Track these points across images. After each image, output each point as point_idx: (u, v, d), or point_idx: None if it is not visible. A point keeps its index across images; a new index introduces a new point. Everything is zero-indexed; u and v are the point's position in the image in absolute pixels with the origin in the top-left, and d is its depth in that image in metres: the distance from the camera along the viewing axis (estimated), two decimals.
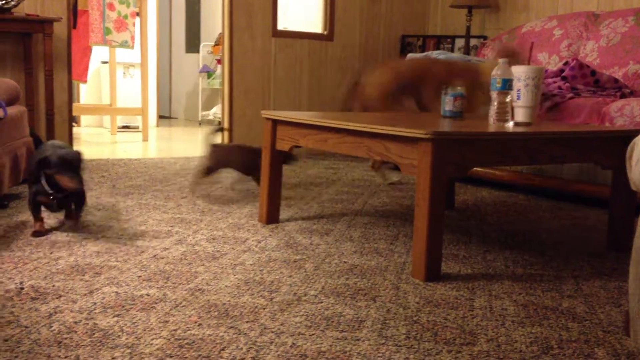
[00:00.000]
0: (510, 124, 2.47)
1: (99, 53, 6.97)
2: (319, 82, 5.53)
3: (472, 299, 1.89)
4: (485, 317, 1.74)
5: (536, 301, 1.89)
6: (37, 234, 2.43)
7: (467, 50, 5.22)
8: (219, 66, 7.72)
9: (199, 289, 1.88)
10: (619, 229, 2.49)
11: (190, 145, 6.07)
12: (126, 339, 1.51)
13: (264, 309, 1.74)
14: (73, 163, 2.38)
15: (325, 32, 5.55)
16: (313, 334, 1.58)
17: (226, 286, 1.92)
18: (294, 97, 5.45)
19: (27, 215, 2.72)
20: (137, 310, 1.69)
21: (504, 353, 1.51)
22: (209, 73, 8.36)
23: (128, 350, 1.44)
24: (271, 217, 2.78)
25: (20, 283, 1.87)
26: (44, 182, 2.38)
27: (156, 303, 1.75)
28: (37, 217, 2.47)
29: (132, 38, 5.83)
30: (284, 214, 2.93)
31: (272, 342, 1.52)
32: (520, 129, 2.34)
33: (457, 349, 1.52)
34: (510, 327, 1.67)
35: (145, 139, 6.08)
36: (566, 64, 3.81)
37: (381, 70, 3.85)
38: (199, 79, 8.55)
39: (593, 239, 2.70)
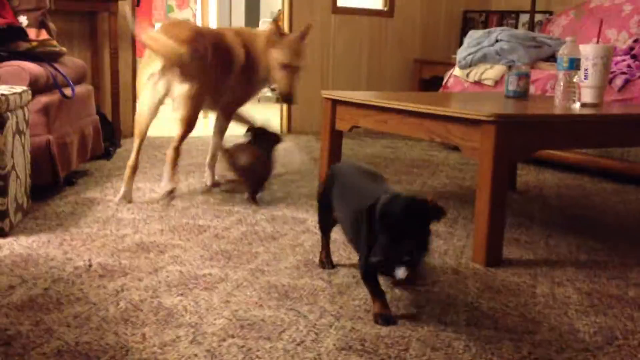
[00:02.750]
0: (577, 105, 2.39)
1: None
2: (378, 60, 5.48)
3: (534, 285, 1.86)
4: (547, 305, 1.71)
5: (600, 289, 1.84)
6: (382, 317, 1.57)
7: (531, 26, 5.07)
8: None
9: (259, 270, 1.91)
10: None
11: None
12: (190, 318, 1.55)
13: (323, 291, 1.76)
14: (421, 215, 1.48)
15: (385, 8, 5.47)
16: (372, 319, 1.58)
17: (285, 267, 1.94)
18: (353, 75, 5.41)
19: (94, 192, 2.81)
20: (200, 290, 1.73)
21: (566, 342, 1.48)
22: None
23: (192, 330, 1.48)
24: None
25: (89, 260, 1.94)
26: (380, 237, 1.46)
27: (218, 283, 1.79)
28: (378, 295, 1.60)
29: (194, 15, 5.89)
30: None
31: (331, 325, 1.53)
32: (587, 111, 2.27)
33: (518, 337, 1.50)
34: (573, 316, 1.64)
35: (205, 116, 6.16)
36: (636, 41, 3.66)
37: (181, 25, 2.78)
38: None
39: None
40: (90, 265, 1.89)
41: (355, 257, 1.91)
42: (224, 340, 1.43)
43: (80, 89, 3.09)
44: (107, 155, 3.65)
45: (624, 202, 3.04)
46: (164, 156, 3.79)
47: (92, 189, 2.89)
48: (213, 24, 7.62)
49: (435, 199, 1.49)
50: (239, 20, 9.32)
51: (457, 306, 1.69)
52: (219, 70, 2.77)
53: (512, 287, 1.84)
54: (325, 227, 1.92)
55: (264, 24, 8.40)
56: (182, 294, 1.69)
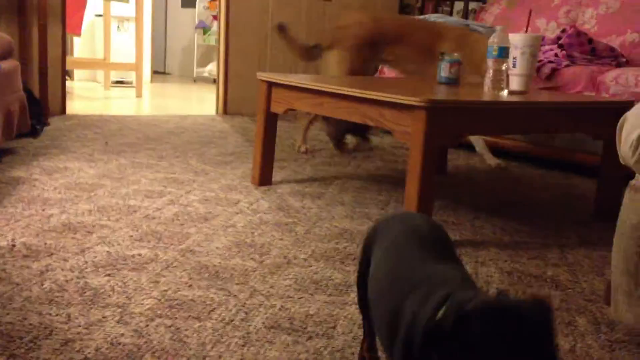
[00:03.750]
0: (505, 93, 2.47)
1: (93, 6, 6.87)
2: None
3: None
4: None
5: (521, 268, 1.92)
6: None
7: (465, 13, 5.17)
8: (215, 22, 7.64)
9: (190, 250, 1.90)
10: (606, 199, 2.52)
11: (184, 102, 6.04)
12: (117, 298, 1.53)
13: (254, 271, 1.77)
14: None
15: None
16: (301, 298, 1.60)
17: (217, 248, 1.94)
18: (291, 57, 5.39)
19: (20, 171, 2.72)
20: (129, 270, 1.71)
21: None
22: (204, 29, 8.26)
23: (119, 310, 1.47)
24: (264, 179, 2.79)
25: (12, 240, 1.89)
26: None
27: (147, 263, 1.77)
28: None
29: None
30: (277, 176, 2.94)
31: (261, 305, 1.55)
32: (515, 98, 2.35)
33: None
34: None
35: (138, 95, 6.04)
36: (564, 31, 3.79)
37: (362, 16, 3.52)
38: (194, 34, 8.46)
39: (582, 208, 2.73)
40: (13, 245, 1.84)
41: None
42: (152, 320, 1.43)
43: (5, 64, 2.97)
44: (34, 133, 3.53)
45: (548, 186, 3.16)
46: (94, 135, 3.71)
47: (17, 168, 2.80)
48: (147, 1, 7.44)
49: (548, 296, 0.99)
50: (176, 2, 9.14)
51: None
52: None
53: None
54: (367, 306, 1.16)
55: (201, 3, 8.27)
56: (109, 275, 1.67)
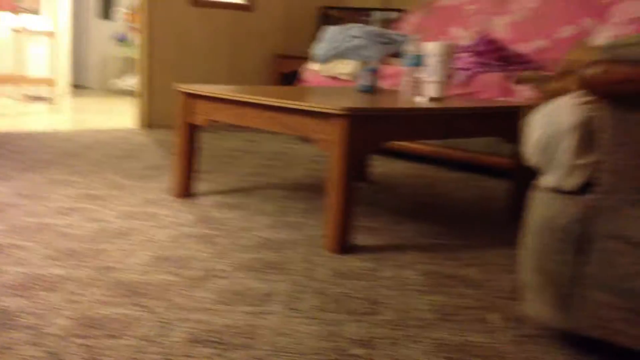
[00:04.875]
0: (422, 99, 2.53)
1: (6, 20, 6.62)
2: (239, 54, 5.47)
3: (378, 269, 1.95)
4: (389, 287, 1.80)
5: (437, 270, 1.97)
6: None
7: (384, 23, 5.28)
8: (135, 34, 7.51)
9: (107, 267, 1.86)
10: (518, 200, 2.62)
11: (104, 116, 5.90)
12: (29, 319, 1.48)
13: (174, 285, 1.74)
14: None
15: (246, 2, 5.47)
16: (222, 309, 1.59)
17: (135, 263, 1.90)
18: (213, 69, 5.37)
19: None
20: (42, 290, 1.66)
21: (404, 321, 1.57)
22: (124, 41, 8.11)
23: (31, 332, 1.42)
24: (185, 191, 2.76)
25: None
26: None
27: (61, 282, 1.72)
28: None
29: (39, 3, 5.57)
30: (200, 188, 2.92)
31: (180, 319, 1.53)
32: (431, 105, 2.41)
33: (359, 318, 1.57)
34: (411, 296, 1.74)
35: (56, 110, 5.87)
36: (477, 39, 3.92)
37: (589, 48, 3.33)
38: (113, 47, 8.28)
39: (497, 210, 2.83)
40: None
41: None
42: (66, 340, 1.39)
43: None
44: None
45: (465, 189, 3.26)
46: (8, 153, 3.58)
47: None
48: (64, 13, 7.24)
49: None
50: (93, 10, 8.92)
51: (306, 293, 1.74)
52: None
53: (358, 272, 1.92)
54: None
55: (119, 14, 8.12)
56: (21, 296, 1.61)
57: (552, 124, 1.40)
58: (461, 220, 2.61)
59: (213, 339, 1.43)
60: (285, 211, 2.62)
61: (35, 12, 5.60)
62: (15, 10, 5.50)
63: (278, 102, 2.22)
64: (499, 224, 2.58)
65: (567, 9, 3.99)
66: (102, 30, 8.74)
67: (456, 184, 3.38)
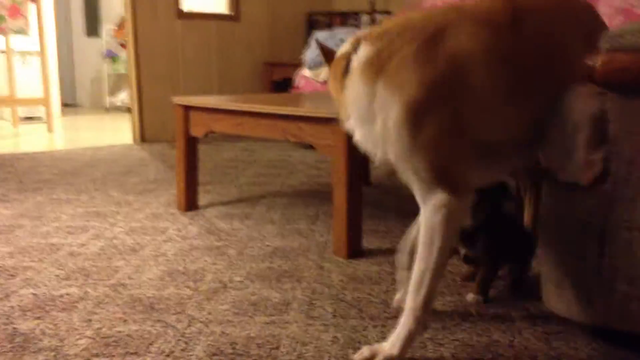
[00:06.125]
0: None
1: None
2: (228, 64, 5.47)
3: (394, 272, 1.95)
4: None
5: (454, 270, 1.96)
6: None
7: (373, 24, 5.29)
8: (124, 50, 7.49)
9: (121, 284, 1.84)
10: (530, 198, 2.62)
11: (99, 133, 5.88)
12: (49, 341, 1.47)
13: (190, 299, 1.73)
14: None
15: (231, 13, 5.47)
16: (241, 321, 1.59)
17: (149, 279, 1.89)
18: (204, 79, 5.36)
19: None
20: (58, 311, 1.64)
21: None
22: (113, 57, 8.09)
23: (52, 353, 1.41)
24: (190, 204, 2.75)
25: None
26: None
27: (77, 302, 1.71)
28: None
29: (28, 24, 5.55)
30: (202, 199, 2.91)
31: (200, 332, 1.52)
32: None
33: (382, 323, 1.57)
34: None
35: (50, 129, 5.85)
36: None
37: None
38: (103, 64, 8.27)
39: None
40: None
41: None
42: None
43: None
44: None
45: None
46: (7, 175, 3.56)
47: None
48: (51, 33, 7.22)
49: None
50: (79, 28, 8.90)
51: (323, 299, 1.73)
52: None
53: (373, 276, 1.91)
54: None
55: (106, 30, 8.10)
56: (38, 318, 1.60)
57: (565, 119, 1.40)
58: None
59: (238, 352, 1.42)
60: (292, 218, 2.61)
61: (23, 32, 5.57)
62: (3, 31, 5.47)
63: (277, 110, 2.22)
64: None
65: None
66: (90, 48, 8.71)
67: None
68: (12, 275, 1.91)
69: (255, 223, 2.54)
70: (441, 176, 1.32)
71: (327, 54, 1.54)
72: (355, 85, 1.37)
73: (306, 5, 5.87)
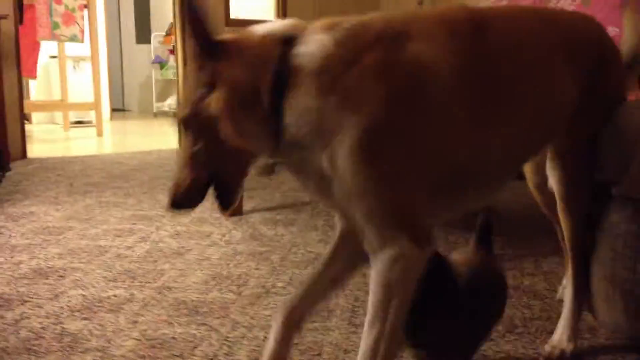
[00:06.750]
0: None
1: (46, 47, 6.79)
2: None
3: None
4: None
5: None
6: None
7: None
8: (172, 56, 7.62)
9: (167, 287, 1.87)
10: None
11: (146, 138, 5.99)
12: (96, 342, 1.50)
13: (234, 303, 1.75)
14: None
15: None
16: None
17: (194, 282, 1.91)
18: None
19: None
20: (105, 312, 1.68)
21: None
22: (161, 64, 8.24)
23: (99, 354, 1.43)
24: (235, 209, 2.77)
25: None
26: None
27: (124, 304, 1.74)
28: None
29: (81, 31, 5.70)
30: (247, 204, 2.93)
31: (243, 337, 1.53)
32: None
33: None
34: None
35: (99, 134, 5.98)
36: None
37: None
38: (151, 70, 8.43)
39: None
40: None
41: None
42: None
43: None
44: None
45: (517, 196, 3.20)
46: (58, 177, 3.65)
47: None
48: (102, 40, 7.40)
49: None
50: (129, 35, 9.11)
51: (366, 307, 1.72)
52: None
53: None
54: None
55: (156, 37, 8.26)
56: (86, 318, 1.63)
57: (621, 130, 1.37)
58: (515, 229, 2.57)
59: None
60: (335, 225, 2.60)
61: (75, 39, 5.72)
62: (57, 38, 5.63)
63: None
64: (555, 232, 2.52)
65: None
66: (139, 54, 8.90)
67: (507, 191, 3.32)
68: (61, 277, 1.96)
69: (299, 229, 2.54)
70: (402, 218, 1.09)
71: (196, 17, 1.13)
72: (299, 94, 1.08)
73: (355, 12, 5.87)
